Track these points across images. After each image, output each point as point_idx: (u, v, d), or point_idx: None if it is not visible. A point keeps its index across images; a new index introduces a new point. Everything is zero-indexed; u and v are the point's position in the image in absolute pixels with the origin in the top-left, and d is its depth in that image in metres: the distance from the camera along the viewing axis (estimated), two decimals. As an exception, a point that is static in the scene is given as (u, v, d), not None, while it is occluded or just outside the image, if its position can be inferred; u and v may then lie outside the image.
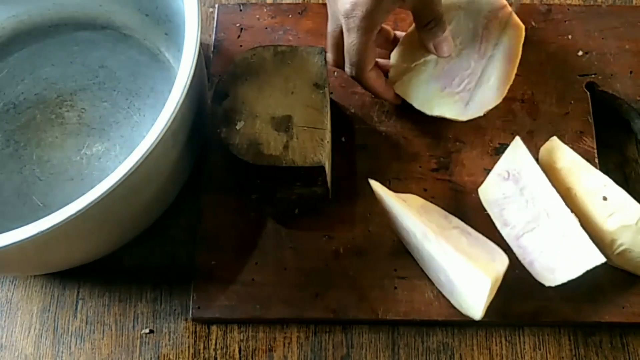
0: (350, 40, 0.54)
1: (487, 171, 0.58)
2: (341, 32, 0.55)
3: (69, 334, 0.58)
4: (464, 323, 0.56)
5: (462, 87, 0.58)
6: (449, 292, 0.54)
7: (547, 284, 0.53)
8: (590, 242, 0.51)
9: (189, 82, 0.48)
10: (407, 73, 0.59)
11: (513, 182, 0.55)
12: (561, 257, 0.52)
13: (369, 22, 0.52)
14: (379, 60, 0.60)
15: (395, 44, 0.60)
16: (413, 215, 0.52)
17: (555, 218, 0.53)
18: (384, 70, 0.60)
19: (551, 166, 0.57)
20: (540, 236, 0.53)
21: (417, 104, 0.59)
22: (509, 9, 0.58)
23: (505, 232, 0.56)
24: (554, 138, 0.58)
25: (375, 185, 0.54)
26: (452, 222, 0.55)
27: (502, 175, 0.56)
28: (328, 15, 0.56)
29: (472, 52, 0.58)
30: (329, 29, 0.57)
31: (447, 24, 0.56)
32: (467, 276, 0.50)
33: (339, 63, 0.58)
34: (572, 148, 0.56)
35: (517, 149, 0.55)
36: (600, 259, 0.50)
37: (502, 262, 0.51)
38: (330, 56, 0.58)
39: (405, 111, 0.61)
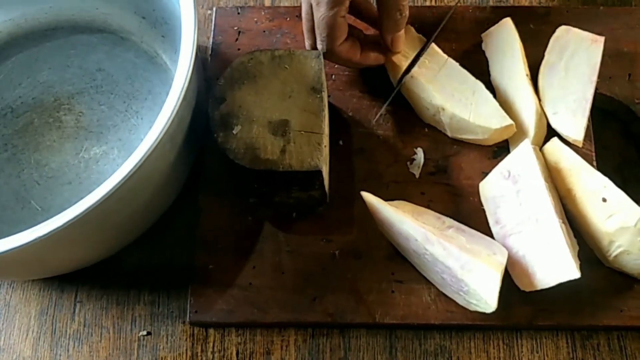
0: (320, 14, 0.53)
1: (485, 174, 0.58)
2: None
3: (67, 336, 0.58)
4: (461, 326, 0.56)
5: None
6: (455, 291, 0.53)
7: (522, 287, 0.53)
8: (570, 256, 0.51)
9: (186, 85, 0.48)
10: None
11: (511, 183, 0.55)
12: (540, 265, 0.52)
13: None
14: (370, 34, 0.61)
15: (373, 17, 0.59)
16: (410, 220, 0.52)
17: (543, 225, 0.53)
18: (375, 40, 0.60)
19: (552, 167, 0.57)
20: (525, 240, 0.54)
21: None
22: None
23: (495, 230, 0.56)
24: (555, 139, 0.58)
25: (367, 196, 0.54)
26: (446, 222, 0.56)
27: (503, 174, 0.56)
28: None
29: None
30: (303, 12, 0.57)
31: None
32: (475, 273, 0.50)
33: (315, 46, 0.58)
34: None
35: (524, 151, 0.55)
36: (575, 275, 0.50)
37: (502, 254, 0.52)
38: (306, 40, 0.58)
39: (403, 114, 0.61)
